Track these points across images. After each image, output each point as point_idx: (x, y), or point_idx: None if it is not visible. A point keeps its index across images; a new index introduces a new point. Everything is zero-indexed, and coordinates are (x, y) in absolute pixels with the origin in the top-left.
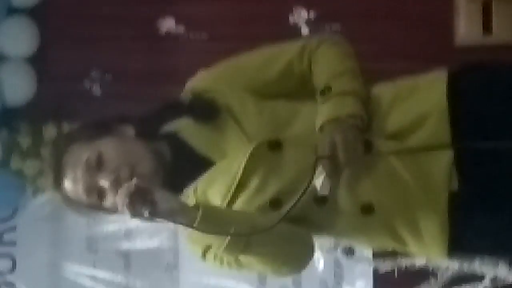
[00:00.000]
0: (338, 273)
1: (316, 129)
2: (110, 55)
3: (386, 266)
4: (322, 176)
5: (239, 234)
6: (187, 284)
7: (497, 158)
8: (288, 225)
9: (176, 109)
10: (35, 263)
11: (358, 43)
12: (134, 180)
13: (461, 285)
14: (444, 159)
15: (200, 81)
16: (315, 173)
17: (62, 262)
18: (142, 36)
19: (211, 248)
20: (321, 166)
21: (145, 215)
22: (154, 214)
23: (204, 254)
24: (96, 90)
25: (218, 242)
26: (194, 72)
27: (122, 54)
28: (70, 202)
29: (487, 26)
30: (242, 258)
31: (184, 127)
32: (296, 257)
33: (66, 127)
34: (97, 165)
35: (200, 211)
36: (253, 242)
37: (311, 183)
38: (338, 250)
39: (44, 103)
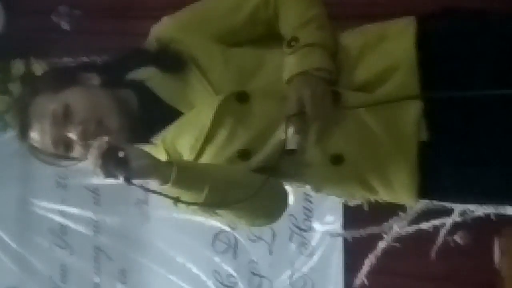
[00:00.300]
0: (307, 207)
1: (284, 82)
2: None
3: (355, 200)
4: (291, 131)
5: (214, 188)
6: (157, 219)
7: (465, 107)
8: (261, 175)
9: (141, 57)
10: (3, 199)
11: None
12: (105, 138)
13: (430, 219)
14: (413, 109)
15: (165, 30)
16: (285, 130)
17: (31, 197)
18: None
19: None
20: (287, 120)
21: (119, 177)
22: (127, 172)
23: (175, 203)
24: (65, 25)
25: (194, 198)
26: (163, 6)
27: None
28: (37, 152)
29: None
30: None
31: (151, 76)
32: (270, 209)
33: (34, 62)
34: (64, 117)
35: (174, 167)
36: (229, 196)
37: (285, 135)
38: (307, 185)
39: (11, 39)
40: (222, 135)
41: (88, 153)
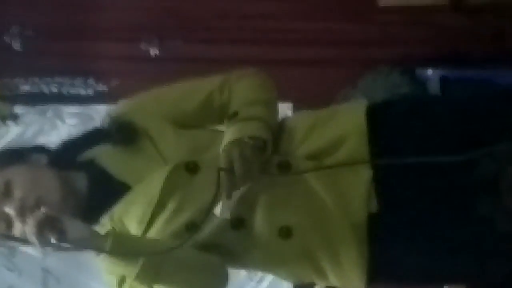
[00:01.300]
0: None
1: (220, 150)
2: (29, 10)
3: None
4: (221, 200)
5: (149, 258)
6: None
7: (412, 175)
8: (202, 253)
9: (93, 136)
10: None
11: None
12: (43, 209)
13: None
14: (362, 177)
15: (120, 109)
16: (216, 187)
17: None
18: None
19: (126, 280)
20: (217, 184)
21: (53, 242)
22: (63, 242)
23: (120, 285)
24: (17, 45)
25: (130, 270)
26: (115, 28)
27: (43, 10)
28: None
29: None
30: (157, 287)
31: (102, 153)
32: (210, 286)
33: None
34: (5, 193)
35: (110, 238)
36: (163, 271)
37: (215, 200)
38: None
39: None
40: (170, 206)
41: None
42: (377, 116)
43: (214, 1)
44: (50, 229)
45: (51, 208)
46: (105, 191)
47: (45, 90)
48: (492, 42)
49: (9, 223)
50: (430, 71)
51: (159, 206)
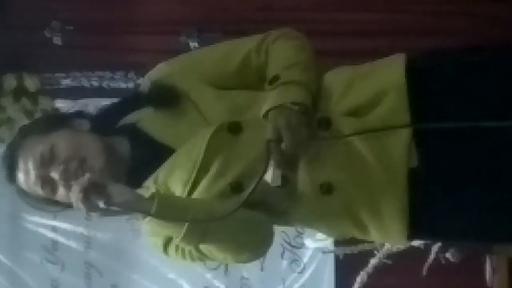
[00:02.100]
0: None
1: (261, 115)
2: (71, 4)
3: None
4: (271, 168)
5: (196, 220)
6: None
7: (454, 137)
8: (247, 210)
9: (134, 101)
10: None
11: None
12: (88, 175)
13: None
14: (402, 137)
15: (159, 72)
16: (266, 158)
17: (22, 212)
18: None
19: (172, 240)
20: (267, 155)
21: (100, 207)
22: (109, 206)
23: (165, 247)
24: (57, 40)
25: (176, 232)
26: (155, 22)
27: (83, 4)
28: (24, 194)
29: None
30: (203, 247)
31: (144, 117)
32: (255, 244)
33: (26, 77)
34: (49, 158)
35: (156, 200)
36: (210, 230)
37: (266, 169)
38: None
39: (4, 53)
40: (214, 167)
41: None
42: (417, 71)
43: None
44: (95, 194)
45: (95, 173)
46: (148, 155)
47: (86, 84)
48: None
49: (52, 187)
50: None
51: (203, 168)
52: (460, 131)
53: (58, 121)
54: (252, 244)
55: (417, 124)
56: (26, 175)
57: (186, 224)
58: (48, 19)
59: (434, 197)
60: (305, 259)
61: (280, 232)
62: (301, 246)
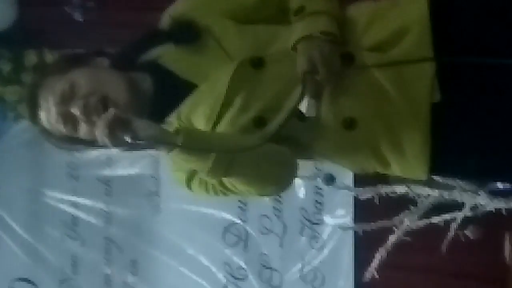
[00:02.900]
0: (318, 201)
1: (290, 47)
2: None
3: (366, 193)
4: (307, 98)
5: (222, 151)
6: (168, 211)
7: (478, 73)
8: (271, 144)
9: (155, 37)
10: (16, 189)
11: None
12: (112, 110)
13: (441, 214)
14: (426, 71)
15: (179, 8)
16: (302, 90)
17: (43, 188)
18: None
19: (196, 174)
20: (303, 87)
21: (127, 141)
22: (135, 140)
23: (188, 182)
24: (78, 16)
25: (202, 165)
26: None
27: None
28: (48, 134)
29: None
30: (226, 180)
31: (165, 53)
32: (280, 176)
33: (47, 53)
34: (69, 94)
35: (181, 134)
36: (236, 163)
37: (300, 102)
38: (318, 178)
39: (24, 29)
40: (237, 102)
41: (94, 129)
42: (441, 5)
43: None
44: (121, 128)
45: (119, 108)
46: (171, 91)
47: None
48: None
49: (74, 124)
50: None
51: (227, 103)
52: (484, 67)
53: (78, 59)
54: (276, 177)
55: (440, 58)
56: (48, 113)
57: (212, 157)
58: None
59: (456, 133)
60: (324, 236)
61: (299, 209)
62: (320, 222)
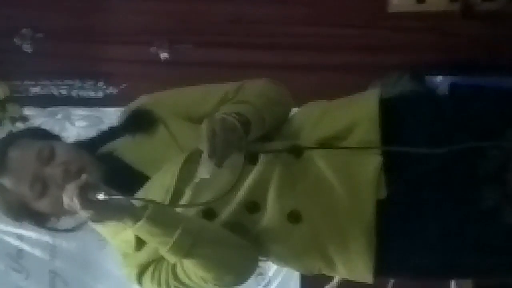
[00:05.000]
0: None
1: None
2: (40, 12)
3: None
4: (203, 160)
5: (188, 231)
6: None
7: (423, 168)
8: (232, 233)
9: (113, 131)
10: None
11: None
12: (84, 176)
13: None
14: (372, 163)
15: (139, 102)
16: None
17: None
18: None
19: (147, 269)
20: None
21: (97, 199)
22: (108, 196)
23: (139, 277)
24: (27, 47)
25: (165, 240)
26: (124, 31)
27: (54, 12)
28: (1, 198)
29: None
30: (180, 270)
31: (121, 144)
32: (240, 266)
33: None
34: (49, 157)
35: (151, 206)
36: (199, 244)
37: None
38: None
39: None
40: (187, 194)
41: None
42: (389, 105)
43: (224, 6)
44: (92, 189)
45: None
46: (125, 181)
47: (55, 92)
48: (501, 49)
49: (44, 186)
50: (439, 77)
51: (177, 194)
52: (423, 159)
53: (51, 134)
54: (237, 265)
55: (386, 148)
56: (19, 171)
57: (178, 232)
58: (18, 26)
59: (401, 231)
60: (270, 273)
61: None
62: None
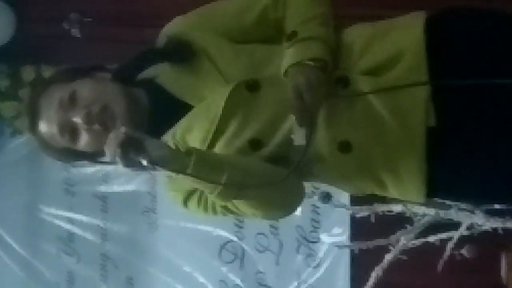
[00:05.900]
0: (315, 219)
1: (281, 74)
2: None
3: (363, 212)
4: (297, 127)
5: (232, 180)
6: (164, 228)
7: (473, 96)
8: (279, 168)
9: (152, 55)
10: (12, 205)
11: None
12: (123, 129)
13: (438, 233)
14: (421, 95)
15: (176, 27)
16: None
17: (39, 204)
18: None
19: (194, 193)
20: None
21: (142, 164)
22: (152, 164)
23: (185, 201)
24: (75, 32)
25: (211, 187)
26: (174, 14)
27: None
28: (46, 146)
29: None
30: (232, 202)
31: (162, 72)
32: (286, 201)
33: (44, 69)
34: (70, 103)
35: (194, 156)
36: (246, 186)
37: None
38: (315, 196)
39: (22, 45)
40: (233, 125)
41: (95, 140)
42: (438, 29)
43: None
44: (133, 149)
45: (117, 119)
46: (167, 110)
47: None
48: None
49: (74, 132)
50: None
51: (222, 125)
52: (479, 89)
53: (80, 71)
54: (285, 201)
55: (434, 81)
56: (48, 122)
57: (224, 179)
58: (66, 11)
59: (453, 156)
60: (321, 254)
61: (296, 227)
62: (317, 240)
